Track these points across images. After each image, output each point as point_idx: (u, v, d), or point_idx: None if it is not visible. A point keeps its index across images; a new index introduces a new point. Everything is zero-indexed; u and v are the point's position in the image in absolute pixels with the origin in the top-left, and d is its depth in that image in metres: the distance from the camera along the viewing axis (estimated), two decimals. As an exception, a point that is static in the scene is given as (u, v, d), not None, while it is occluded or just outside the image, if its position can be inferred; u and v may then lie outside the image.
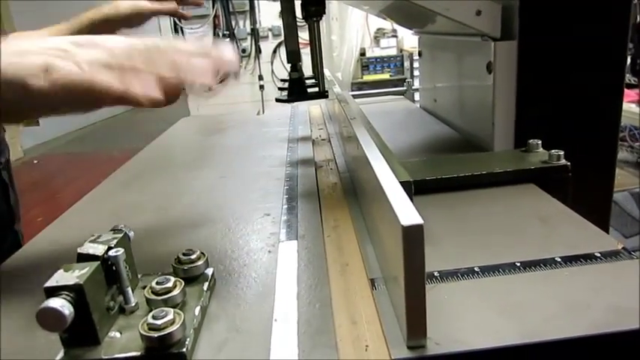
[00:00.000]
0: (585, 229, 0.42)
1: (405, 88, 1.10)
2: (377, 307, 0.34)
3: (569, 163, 0.52)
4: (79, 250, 0.31)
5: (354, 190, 0.57)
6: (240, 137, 0.91)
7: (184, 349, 0.29)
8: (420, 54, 0.96)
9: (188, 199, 0.60)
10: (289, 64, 0.67)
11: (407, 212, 0.28)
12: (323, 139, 0.84)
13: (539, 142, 0.57)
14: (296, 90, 0.66)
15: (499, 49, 0.60)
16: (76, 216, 0.58)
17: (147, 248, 0.38)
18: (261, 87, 5.22)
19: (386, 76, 5.13)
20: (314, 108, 1.11)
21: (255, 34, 5.07)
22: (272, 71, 5.16)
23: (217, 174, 0.69)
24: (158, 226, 0.52)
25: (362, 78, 5.14)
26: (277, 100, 0.68)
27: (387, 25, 5.01)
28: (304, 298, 0.36)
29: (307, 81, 0.70)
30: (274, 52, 5.11)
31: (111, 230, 0.36)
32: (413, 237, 0.27)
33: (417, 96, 1.15)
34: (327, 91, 0.67)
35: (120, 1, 0.90)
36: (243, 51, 5.11)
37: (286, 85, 0.80)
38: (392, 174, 0.35)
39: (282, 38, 5.09)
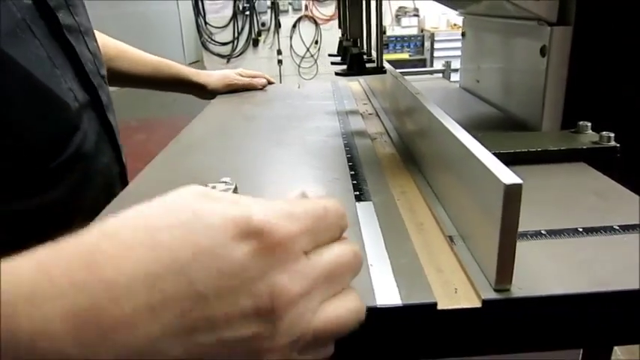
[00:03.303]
0: (635, 203, 0.47)
1: (444, 68, 1.13)
2: (459, 259, 0.39)
3: (618, 145, 0.56)
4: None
5: (413, 161, 0.61)
6: (287, 109, 0.95)
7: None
8: (463, 35, 0.99)
9: (256, 163, 0.65)
10: (350, 40, 0.70)
11: (506, 173, 0.32)
12: (370, 114, 0.88)
13: (589, 124, 0.61)
14: (356, 65, 0.70)
15: (555, 34, 0.63)
16: (154, 173, 0.63)
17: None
18: (280, 62, 5.22)
19: (405, 55, 5.10)
20: (353, 84, 1.14)
21: (275, 7, 5.05)
22: (291, 46, 5.15)
23: (274, 142, 0.73)
24: (240, 185, 0.57)
25: (380, 57, 5.10)
26: (337, 74, 0.72)
27: (409, 3, 4.96)
28: (391, 250, 0.40)
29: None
30: (294, 26, 5.09)
31: (221, 182, 0.41)
32: (513, 194, 0.31)
33: (453, 77, 1.18)
34: (384, 67, 0.71)
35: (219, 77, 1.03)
36: (263, 25, 5.10)
37: (337, 59, 0.84)
38: (475, 140, 0.39)
39: (302, 13, 5.06)
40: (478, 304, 0.34)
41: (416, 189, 0.53)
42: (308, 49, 5.15)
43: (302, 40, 5.14)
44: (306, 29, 5.09)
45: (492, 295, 0.34)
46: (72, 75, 0.60)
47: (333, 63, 0.83)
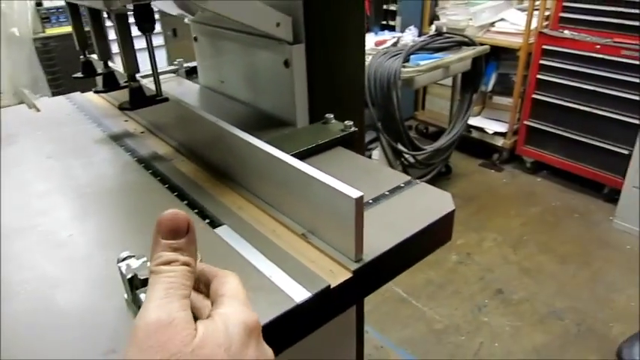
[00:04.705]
0: (386, 171, 0.72)
1: (177, 67, 1.21)
2: (319, 248, 0.55)
3: (357, 129, 0.81)
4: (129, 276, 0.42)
5: (224, 175, 0.72)
6: (47, 144, 0.87)
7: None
8: (195, 39, 1.09)
9: (83, 227, 0.64)
10: (127, 74, 0.73)
11: (349, 189, 0.50)
12: (143, 132, 0.92)
13: (332, 115, 0.84)
14: (138, 98, 0.74)
15: (294, 50, 0.82)
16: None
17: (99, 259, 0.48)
18: None
19: (69, 28, 4.61)
20: (95, 98, 1.10)
21: None
22: None
23: (71, 194, 0.71)
24: (90, 256, 0.57)
25: (44, 32, 4.50)
26: (120, 108, 0.74)
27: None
28: (274, 260, 0.53)
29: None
30: None
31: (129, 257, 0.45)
32: (359, 203, 0.49)
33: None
34: (165, 96, 0.77)
35: None
36: None
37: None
38: (312, 168, 0.55)
39: None
40: (350, 275, 0.51)
41: (248, 202, 0.66)
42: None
43: None
44: None
45: (356, 265, 0.52)
46: None
47: (96, 91, 0.83)
